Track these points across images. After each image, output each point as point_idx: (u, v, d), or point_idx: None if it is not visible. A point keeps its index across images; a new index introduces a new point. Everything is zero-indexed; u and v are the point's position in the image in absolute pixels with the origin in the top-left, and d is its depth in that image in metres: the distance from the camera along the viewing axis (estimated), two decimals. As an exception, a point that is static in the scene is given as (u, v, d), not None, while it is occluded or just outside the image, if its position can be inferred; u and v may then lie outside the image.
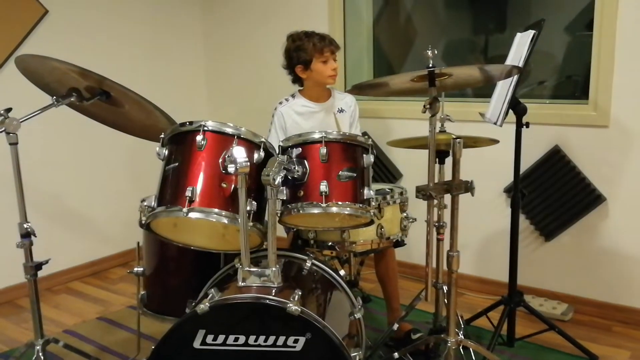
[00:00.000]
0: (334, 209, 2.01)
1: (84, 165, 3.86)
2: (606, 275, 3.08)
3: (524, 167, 3.11)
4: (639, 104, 2.87)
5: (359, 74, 3.97)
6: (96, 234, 3.99)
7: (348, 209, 2.03)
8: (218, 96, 4.60)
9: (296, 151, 2.06)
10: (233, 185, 1.91)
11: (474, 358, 2.47)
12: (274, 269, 1.86)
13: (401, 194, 2.57)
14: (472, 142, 2.48)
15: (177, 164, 1.96)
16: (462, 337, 2.26)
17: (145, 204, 2.05)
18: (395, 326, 2.65)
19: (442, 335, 2.28)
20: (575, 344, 2.66)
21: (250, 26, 4.26)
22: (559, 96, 3.37)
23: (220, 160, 1.92)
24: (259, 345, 1.73)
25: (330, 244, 2.48)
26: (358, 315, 2.12)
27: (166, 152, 2.00)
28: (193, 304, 1.98)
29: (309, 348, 1.72)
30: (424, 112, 2.01)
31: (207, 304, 1.73)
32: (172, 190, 1.94)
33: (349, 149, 2.09)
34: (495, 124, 2.53)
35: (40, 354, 2.30)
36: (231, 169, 1.76)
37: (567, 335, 2.68)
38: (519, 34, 2.62)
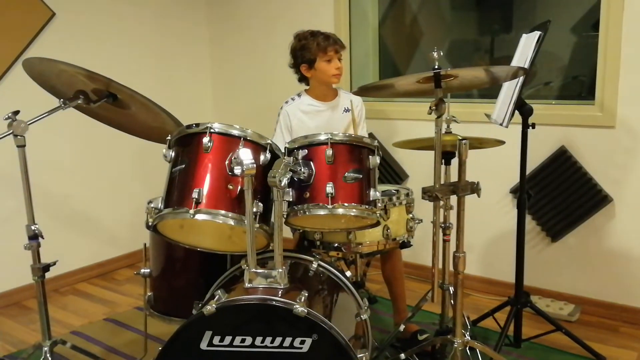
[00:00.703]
0: (340, 211, 2.01)
1: (91, 167, 3.88)
2: (613, 275, 3.08)
3: (530, 167, 3.11)
4: (646, 104, 2.86)
5: (365, 75, 3.97)
6: (103, 235, 4.00)
7: (354, 210, 2.03)
8: (224, 98, 4.61)
9: (302, 153, 2.06)
10: (239, 187, 1.91)
11: (480, 359, 2.47)
12: (280, 270, 1.86)
13: (407, 195, 2.57)
14: (478, 143, 2.48)
15: (183, 165, 1.97)
16: (469, 338, 2.27)
17: (152, 205, 2.07)
18: (402, 327, 2.65)
19: (449, 336, 2.28)
20: (582, 344, 2.65)
21: (256, 28, 4.27)
22: (565, 97, 3.36)
23: (226, 162, 1.92)
24: (266, 347, 1.74)
25: (336, 245, 2.48)
26: (364, 317, 2.12)
27: (173, 154, 2.01)
28: (200, 305, 1.99)
29: (315, 349, 1.73)
30: (430, 113, 2.01)
31: (213, 305, 1.73)
32: (178, 192, 1.95)
33: (354, 150, 2.09)
34: (501, 125, 2.52)
35: (48, 355, 2.31)
36: (237, 170, 1.77)
37: (574, 336, 2.67)
38: (524, 35, 2.62)
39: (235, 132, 1.97)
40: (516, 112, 2.52)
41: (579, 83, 3.38)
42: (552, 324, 2.70)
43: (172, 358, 1.76)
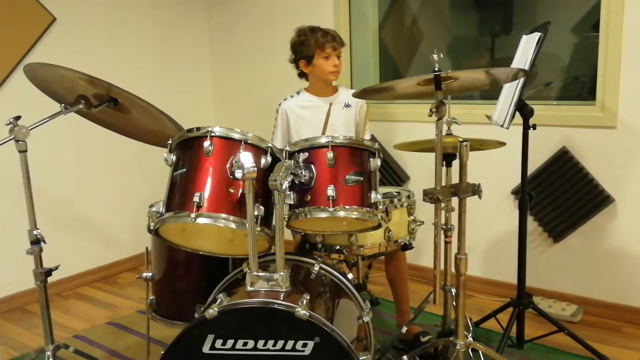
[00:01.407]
0: (341, 213, 2.01)
1: (93, 172, 3.89)
2: (615, 276, 3.07)
3: (532, 168, 3.11)
4: (647, 104, 2.86)
5: (366, 77, 3.98)
6: (105, 239, 4.01)
7: (355, 213, 2.03)
8: (224, 101, 4.62)
9: (303, 156, 2.06)
10: (240, 191, 1.91)
11: (483, 361, 2.47)
12: (282, 273, 1.86)
13: (408, 197, 2.57)
14: (479, 145, 2.48)
15: (184, 169, 1.97)
16: (471, 339, 2.26)
17: (153, 209, 2.06)
18: (404, 329, 2.65)
19: (451, 338, 2.28)
20: (585, 345, 2.65)
21: (256, 32, 4.27)
22: (566, 97, 3.36)
23: (227, 166, 1.93)
24: (268, 350, 1.74)
25: (338, 247, 2.48)
26: (366, 319, 2.12)
27: (174, 158, 2.01)
28: (202, 308, 1.99)
29: (317, 352, 1.73)
30: (431, 115, 2.01)
31: (215, 308, 1.74)
32: (180, 195, 1.95)
33: (355, 153, 2.09)
34: (502, 126, 2.52)
35: (51, 359, 2.31)
36: (238, 174, 1.77)
37: (577, 336, 2.66)
38: (524, 36, 2.62)
39: (236, 136, 1.98)
40: (517, 113, 2.52)
41: (579, 84, 3.38)
42: (555, 324, 2.70)
43: (175, 362, 1.77)
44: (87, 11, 3.76)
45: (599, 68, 2.95)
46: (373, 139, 3.32)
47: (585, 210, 3.08)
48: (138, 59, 4.09)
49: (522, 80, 2.43)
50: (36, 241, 2.21)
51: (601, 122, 2.98)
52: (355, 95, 2.33)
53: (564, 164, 3.11)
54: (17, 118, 2.10)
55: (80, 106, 2.23)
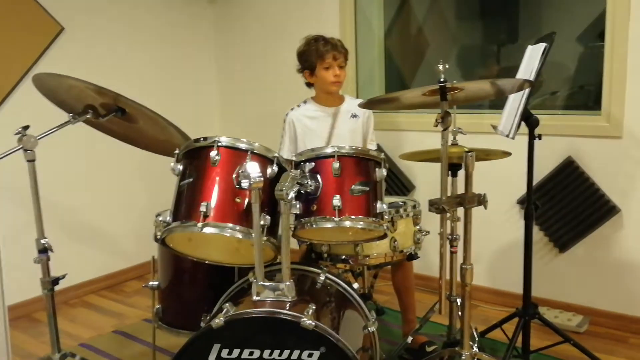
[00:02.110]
0: (347, 223, 2.01)
1: (100, 180, 3.91)
2: (621, 286, 3.06)
3: (537, 178, 3.11)
4: (652, 114, 2.86)
5: (371, 86, 3.99)
6: (111, 247, 4.02)
7: (361, 223, 2.04)
8: (231, 110, 4.64)
9: (309, 166, 2.07)
10: (247, 200, 1.92)
11: (488, 371, 2.46)
12: (287, 283, 1.87)
13: (414, 207, 2.57)
14: (485, 155, 2.48)
15: (191, 179, 1.99)
16: (477, 349, 2.26)
17: (160, 219, 2.08)
18: (410, 339, 2.64)
19: (457, 348, 2.27)
20: (591, 356, 2.64)
21: (262, 41, 4.30)
22: (571, 107, 3.36)
23: (234, 176, 1.94)
24: (274, 360, 1.74)
25: (343, 257, 2.48)
26: (372, 329, 2.12)
27: (181, 168, 2.03)
28: (208, 318, 1.99)
29: (323, 362, 1.73)
30: (436, 126, 2.02)
31: (222, 318, 1.74)
32: (186, 205, 1.97)
33: (361, 163, 2.10)
34: (507, 136, 2.53)
35: (58, 367, 2.32)
36: (245, 184, 1.78)
37: (583, 347, 2.65)
38: (530, 47, 2.62)
39: (243, 146, 1.99)
40: (522, 123, 2.52)
41: (585, 93, 3.38)
42: (561, 335, 2.69)
43: (181, 371, 1.77)
44: (95, 21, 3.79)
45: (605, 78, 2.96)
46: (379, 148, 3.32)
47: (591, 220, 3.07)
48: (145, 69, 4.12)
49: (527, 90, 2.43)
50: (44, 250, 2.22)
51: (607, 132, 2.98)
52: (361, 106, 2.34)
53: (569, 174, 3.11)
54: (26, 127, 2.11)
55: (88, 116, 2.25)
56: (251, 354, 1.74)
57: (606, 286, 3.11)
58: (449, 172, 2.42)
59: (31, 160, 2.14)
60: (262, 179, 1.77)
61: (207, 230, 1.88)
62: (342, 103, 2.95)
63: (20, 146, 2.09)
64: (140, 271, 4.12)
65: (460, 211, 2.20)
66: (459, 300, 2.46)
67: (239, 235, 1.90)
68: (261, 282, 1.87)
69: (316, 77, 2.83)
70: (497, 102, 3.13)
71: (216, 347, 1.74)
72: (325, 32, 2.92)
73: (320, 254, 2.49)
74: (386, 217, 2.13)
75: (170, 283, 2.44)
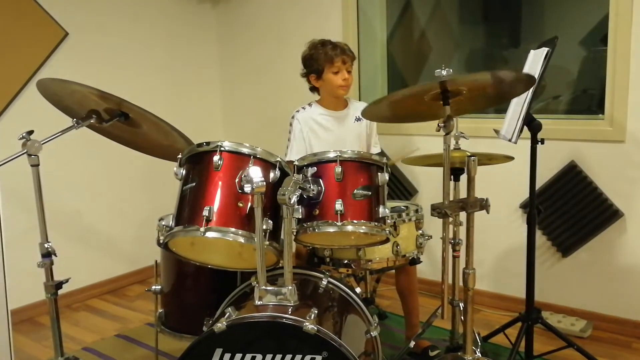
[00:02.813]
0: (350, 228, 2.02)
1: (103, 185, 3.92)
2: (625, 290, 3.05)
3: (540, 182, 3.10)
4: (655, 118, 2.86)
5: (374, 90, 3.99)
6: (114, 251, 4.03)
7: (363, 227, 2.04)
8: (234, 116, 4.64)
9: (311, 170, 2.08)
10: (249, 205, 1.93)
11: (491, 376, 2.46)
12: (290, 287, 1.87)
13: (417, 211, 2.57)
14: (487, 159, 2.48)
15: (194, 183, 1.99)
16: (479, 354, 2.26)
17: (163, 223, 2.08)
18: (412, 343, 2.64)
19: (459, 353, 2.27)
20: (594, 361, 2.64)
21: (265, 46, 4.30)
22: (574, 111, 3.36)
23: (236, 180, 1.94)
24: (276, 364, 1.74)
25: (346, 261, 2.48)
26: (374, 333, 2.12)
27: (184, 172, 2.03)
28: (210, 322, 2.00)
29: (325, 367, 1.73)
30: (438, 130, 2.02)
31: (224, 322, 1.74)
32: (189, 209, 1.97)
33: (363, 167, 2.10)
34: (510, 140, 2.53)
35: (60, 371, 2.32)
36: (247, 188, 1.78)
37: (586, 352, 2.65)
38: (532, 51, 2.62)
39: (245, 150, 1.99)
40: (525, 127, 2.52)
41: (588, 97, 3.38)
42: (564, 340, 2.68)
43: (183, 375, 1.77)
44: (99, 26, 3.81)
45: (608, 81, 2.96)
46: (382, 153, 3.32)
47: (594, 224, 3.07)
48: (148, 74, 4.13)
49: (530, 94, 2.43)
50: (47, 254, 2.22)
51: (610, 136, 2.98)
52: (363, 115, 2.34)
53: (572, 178, 3.11)
54: (30, 132, 2.12)
55: (91, 121, 2.25)
56: (253, 358, 1.75)
57: (609, 291, 3.10)
58: (452, 177, 2.43)
59: (35, 165, 2.14)
60: (265, 183, 1.78)
61: (209, 234, 1.89)
62: (347, 107, 2.95)
63: (25, 151, 2.09)
64: (143, 275, 4.13)
65: (462, 215, 2.20)
66: (461, 305, 2.46)
67: (242, 240, 1.91)
68: (263, 287, 1.87)
69: (323, 81, 2.83)
70: (499, 107, 3.13)
71: (218, 351, 1.75)
72: (328, 37, 2.92)
73: (323, 259, 2.50)
74: (388, 221, 2.13)
75: (172, 287, 2.45)
